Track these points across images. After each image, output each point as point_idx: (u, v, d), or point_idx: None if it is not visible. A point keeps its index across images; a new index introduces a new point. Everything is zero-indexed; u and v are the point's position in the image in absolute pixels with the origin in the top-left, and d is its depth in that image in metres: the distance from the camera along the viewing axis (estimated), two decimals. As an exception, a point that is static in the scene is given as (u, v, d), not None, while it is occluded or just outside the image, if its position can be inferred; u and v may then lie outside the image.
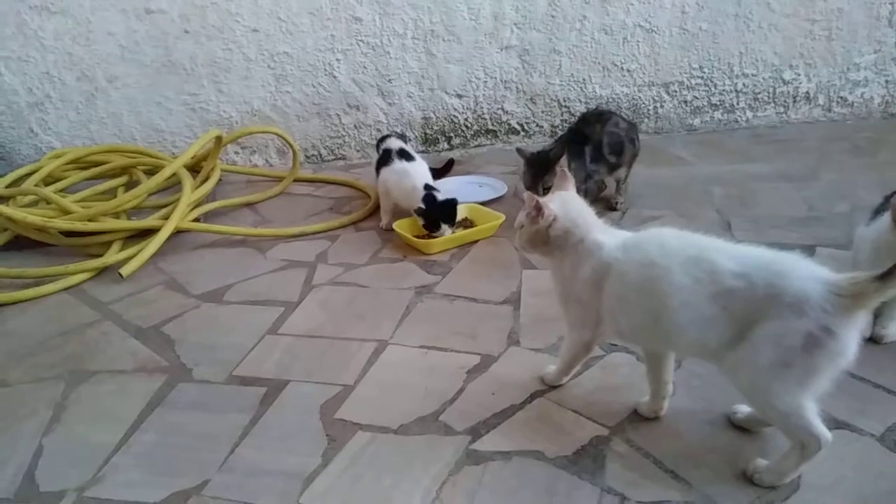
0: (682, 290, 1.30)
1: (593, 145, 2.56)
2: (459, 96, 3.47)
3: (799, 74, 3.64)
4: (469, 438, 1.52)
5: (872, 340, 1.79)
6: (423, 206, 2.43)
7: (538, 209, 1.48)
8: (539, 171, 2.44)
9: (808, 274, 1.24)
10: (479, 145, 3.57)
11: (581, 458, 1.45)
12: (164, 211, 2.64)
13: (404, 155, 2.65)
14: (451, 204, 2.46)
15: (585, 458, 1.45)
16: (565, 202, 1.53)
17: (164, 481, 1.44)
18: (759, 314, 1.24)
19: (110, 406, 1.68)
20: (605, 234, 1.48)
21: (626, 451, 1.47)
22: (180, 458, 1.51)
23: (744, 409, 1.54)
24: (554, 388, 1.68)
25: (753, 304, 1.25)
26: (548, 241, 1.51)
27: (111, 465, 1.49)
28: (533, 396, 1.65)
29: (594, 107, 3.47)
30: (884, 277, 1.18)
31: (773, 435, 1.48)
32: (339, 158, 3.51)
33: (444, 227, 2.44)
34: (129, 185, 2.97)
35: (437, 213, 2.43)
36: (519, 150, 2.55)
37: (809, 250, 2.28)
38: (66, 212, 2.55)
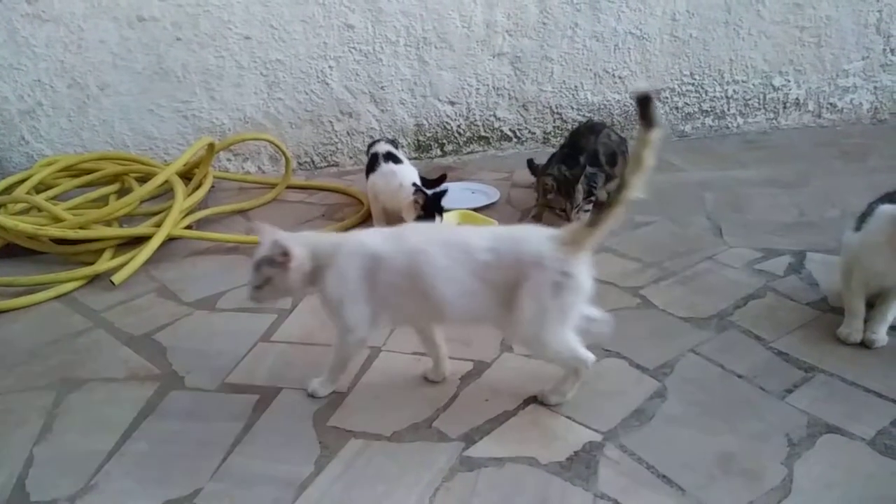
0: (445, 269, 1.49)
1: (588, 154, 2.58)
2: (452, 103, 3.48)
3: (789, 81, 3.67)
4: (462, 445, 1.52)
5: (863, 345, 1.80)
6: (420, 199, 2.41)
7: (286, 254, 1.53)
8: (566, 195, 2.48)
9: (539, 236, 1.50)
10: (471, 152, 3.58)
11: (574, 463, 1.46)
12: (156, 218, 2.63)
13: (391, 157, 2.65)
14: (440, 196, 2.45)
15: (578, 463, 1.46)
16: (295, 237, 1.59)
17: (157, 490, 1.43)
18: (514, 279, 1.47)
19: (102, 414, 1.68)
20: (363, 234, 1.60)
21: (619, 457, 1.47)
22: (172, 466, 1.50)
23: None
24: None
25: (506, 272, 1.48)
26: (306, 278, 1.57)
27: (103, 474, 1.49)
28: (526, 402, 1.65)
29: (586, 119, 3.49)
30: (591, 223, 1.46)
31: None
32: (332, 165, 3.51)
33: (437, 220, 2.43)
34: (121, 193, 2.96)
35: (433, 205, 2.42)
36: (532, 166, 2.56)
37: (800, 255, 2.30)
38: (57, 219, 2.54)
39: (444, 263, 1.50)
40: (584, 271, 1.48)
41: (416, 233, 1.59)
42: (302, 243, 1.56)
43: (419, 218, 2.42)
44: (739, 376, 1.72)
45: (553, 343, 1.51)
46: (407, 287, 1.52)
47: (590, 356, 1.57)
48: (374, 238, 1.57)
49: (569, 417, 1.60)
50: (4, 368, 1.89)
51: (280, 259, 1.52)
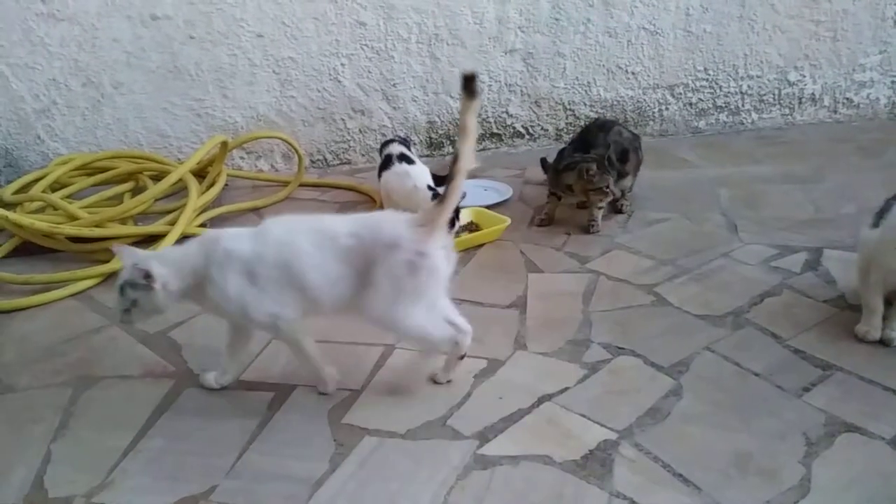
0: (312, 256, 1.54)
1: (598, 151, 2.56)
2: (464, 100, 3.47)
3: (804, 76, 3.64)
4: (477, 443, 1.52)
5: (882, 343, 1.78)
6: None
7: (148, 276, 1.53)
8: (604, 167, 2.51)
9: (395, 219, 1.58)
10: (483, 149, 3.57)
11: (589, 462, 1.45)
12: (170, 216, 2.65)
13: (405, 159, 2.65)
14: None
15: (593, 462, 1.45)
16: (158, 256, 1.61)
17: (172, 486, 1.44)
18: (372, 261, 1.53)
19: (118, 411, 1.69)
20: (226, 240, 1.60)
21: (635, 456, 1.46)
22: (188, 463, 1.51)
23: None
24: (556, 394, 1.67)
25: (367, 255, 1.54)
26: (181, 295, 1.58)
27: (119, 471, 1.49)
28: (540, 400, 1.64)
29: (598, 115, 3.47)
30: (441, 202, 1.54)
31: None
32: (345, 163, 3.51)
33: (455, 225, 2.43)
34: (136, 191, 2.97)
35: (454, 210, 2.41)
36: (545, 165, 2.56)
37: (816, 252, 2.28)
38: (73, 218, 2.56)
39: (311, 251, 1.55)
40: (439, 252, 1.55)
41: (278, 225, 1.62)
42: (166, 262, 1.57)
43: None
44: (756, 374, 1.70)
45: (411, 325, 1.57)
46: (284, 280, 1.55)
47: (466, 326, 1.65)
48: (238, 241, 1.59)
49: (583, 416, 1.59)
50: (21, 366, 1.91)
51: (142, 281, 1.53)
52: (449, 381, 1.72)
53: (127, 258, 1.58)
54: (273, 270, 1.55)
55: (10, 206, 2.74)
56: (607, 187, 2.47)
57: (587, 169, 2.45)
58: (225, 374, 1.75)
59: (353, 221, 1.60)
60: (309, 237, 1.57)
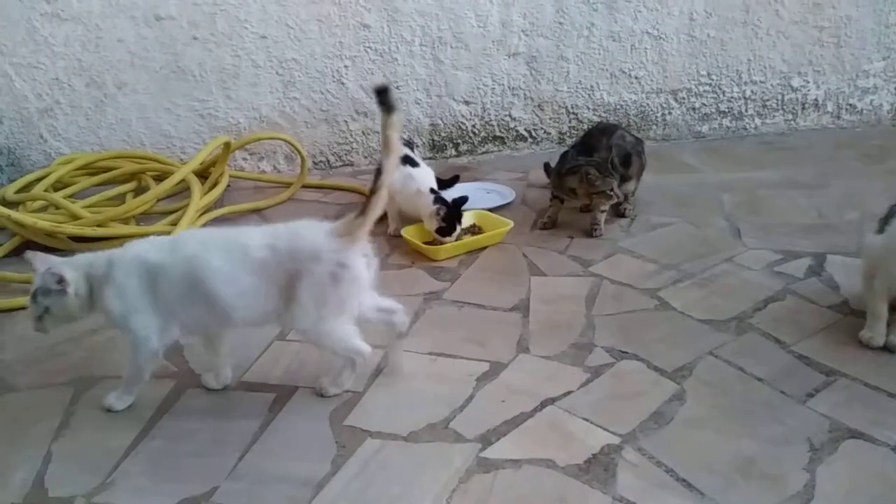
0: (223, 271, 1.53)
1: (600, 155, 2.55)
2: (467, 103, 3.47)
3: (808, 82, 3.63)
4: (479, 446, 1.51)
5: (886, 349, 1.77)
6: (443, 210, 2.41)
7: (62, 281, 1.53)
8: (607, 170, 2.50)
9: (314, 230, 1.58)
10: (486, 152, 3.56)
11: (592, 466, 1.45)
12: (172, 217, 2.65)
13: (409, 161, 2.65)
14: (461, 203, 2.46)
15: (597, 466, 1.45)
16: (69, 262, 1.60)
17: (173, 488, 1.43)
18: (294, 273, 1.53)
19: (119, 412, 1.68)
20: (136, 247, 1.61)
21: (638, 460, 1.46)
22: (189, 464, 1.50)
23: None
24: (558, 398, 1.66)
25: (285, 267, 1.53)
26: (86, 303, 1.58)
27: (120, 471, 1.49)
28: (543, 404, 1.64)
29: (601, 119, 3.47)
30: (361, 213, 1.55)
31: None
32: (347, 165, 3.51)
33: (457, 230, 2.44)
34: (138, 191, 2.97)
35: (456, 215, 2.42)
36: (548, 169, 2.56)
37: (820, 257, 2.27)
38: (75, 217, 2.56)
39: (221, 265, 1.53)
40: (359, 262, 1.58)
41: (190, 239, 1.63)
42: (75, 267, 1.57)
43: (441, 229, 2.42)
44: (759, 380, 1.70)
45: (333, 336, 1.60)
46: (189, 294, 1.55)
47: (366, 347, 1.65)
48: (147, 249, 1.60)
49: (586, 420, 1.58)
50: (23, 365, 1.90)
51: (56, 287, 1.53)
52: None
53: (40, 264, 1.58)
54: (178, 285, 1.55)
55: (12, 204, 2.74)
56: (611, 190, 2.47)
57: (588, 172, 2.45)
58: (220, 374, 1.75)
59: (270, 233, 1.60)
60: (219, 250, 1.56)
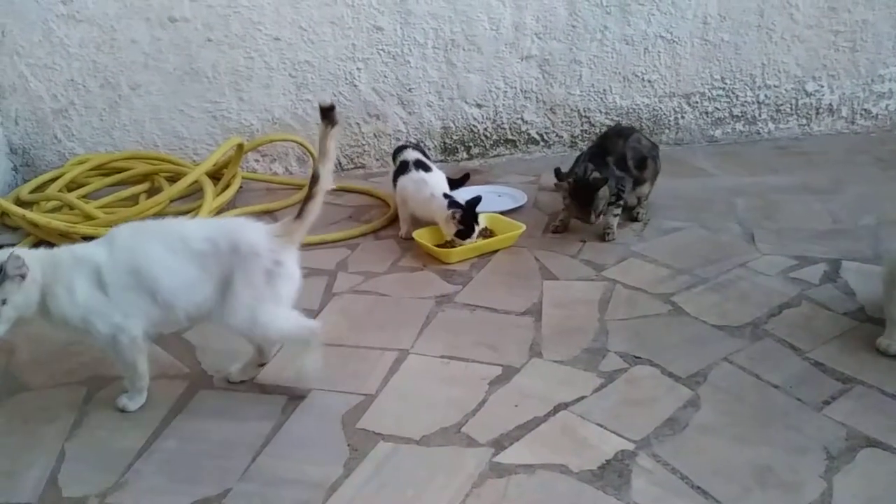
0: (163, 260, 1.56)
1: (616, 157, 2.54)
2: (479, 106, 3.47)
3: (822, 86, 3.61)
4: (492, 451, 1.51)
5: (902, 357, 1.76)
6: (459, 213, 2.39)
7: (23, 266, 1.49)
8: (585, 200, 2.42)
9: (255, 228, 1.63)
10: (498, 155, 3.56)
11: (606, 472, 1.44)
12: (186, 217, 2.65)
13: (421, 165, 2.64)
14: (475, 204, 2.44)
15: (611, 472, 1.44)
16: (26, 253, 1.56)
17: (186, 488, 1.43)
18: (231, 267, 1.57)
19: (132, 412, 1.68)
20: (77, 248, 1.63)
21: (653, 467, 1.44)
22: (202, 465, 1.50)
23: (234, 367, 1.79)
24: (572, 403, 1.66)
25: (223, 261, 1.57)
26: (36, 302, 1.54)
27: (133, 471, 1.49)
28: (556, 409, 1.63)
29: (614, 123, 3.45)
30: (298, 216, 1.62)
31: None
32: (359, 167, 3.51)
33: (475, 231, 2.42)
34: (151, 192, 2.98)
35: (472, 218, 2.41)
36: (559, 174, 2.54)
37: (835, 263, 2.25)
38: (89, 217, 2.57)
39: (162, 255, 1.57)
40: (295, 262, 1.64)
41: (129, 230, 1.64)
42: (32, 259, 1.54)
43: (459, 232, 2.41)
44: (775, 387, 1.68)
45: (273, 327, 1.62)
46: (135, 286, 1.56)
47: (313, 322, 1.70)
48: (88, 248, 1.62)
49: (600, 425, 1.57)
50: (36, 365, 1.91)
51: (17, 272, 1.48)
52: (242, 382, 1.78)
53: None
54: (123, 278, 1.56)
55: (26, 204, 2.75)
56: (578, 217, 2.47)
57: (564, 187, 2.48)
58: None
59: (210, 226, 1.67)
60: (160, 241, 1.59)
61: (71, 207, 2.68)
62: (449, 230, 2.43)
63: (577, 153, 2.69)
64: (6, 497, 1.43)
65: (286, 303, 1.63)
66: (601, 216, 2.46)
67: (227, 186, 2.93)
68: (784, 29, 3.47)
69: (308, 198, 1.64)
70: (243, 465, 1.49)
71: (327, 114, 1.62)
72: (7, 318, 1.50)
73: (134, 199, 2.92)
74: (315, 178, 1.64)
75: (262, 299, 1.59)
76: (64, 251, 1.62)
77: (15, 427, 1.67)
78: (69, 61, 3.18)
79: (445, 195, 2.50)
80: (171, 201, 2.81)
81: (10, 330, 1.52)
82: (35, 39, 3.12)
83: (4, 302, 1.48)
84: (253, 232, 1.62)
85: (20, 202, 2.77)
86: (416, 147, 2.82)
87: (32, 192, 2.88)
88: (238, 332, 1.65)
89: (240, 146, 2.95)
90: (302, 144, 3.20)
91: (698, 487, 1.39)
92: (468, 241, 2.42)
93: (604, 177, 2.43)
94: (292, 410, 1.67)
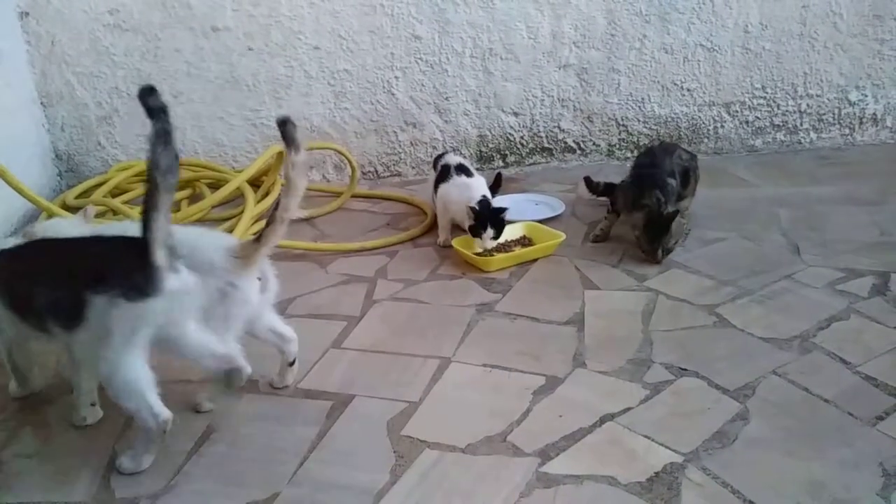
0: None
1: (665, 172, 2.50)
2: (516, 114, 3.47)
3: (866, 95, 3.54)
4: (538, 461, 1.50)
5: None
6: (476, 206, 2.40)
7: None
8: (657, 232, 2.34)
9: (213, 244, 1.58)
10: (534, 163, 3.55)
11: (655, 484, 1.42)
12: (227, 224, 2.69)
13: (463, 170, 2.65)
14: (500, 211, 2.43)
15: (660, 485, 1.42)
16: None
17: (235, 492, 1.45)
18: None
19: (180, 415, 1.70)
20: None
21: (703, 480, 1.43)
22: (250, 469, 1.52)
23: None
24: (618, 414, 1.64)
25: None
26: None
27: (183, 474, 1.51)
28: (602, 420, 1.62)
29: (650, 133, 3.43)
30: (258, 239, 1.57)
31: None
32: (395, 175, 3.53)
33: (489, 231, 2.39)
34: (193, 198, 3.03)
35: (488, 215, 2.40)
36: (590, 183, 2.49)
37: (884, 276, 2.20)
38: (133, 223, 2.61)
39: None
40: (251, 285, 1.59)
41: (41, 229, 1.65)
42: None
43: (472, 227, 2.41)
44: (826, 401, 1.65)
45: (191, 347, 1.54)
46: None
47: (242, 362, 1.58)
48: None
49: (647, 437, 1.56)
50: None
51: None
52: (285, 387, 1.79)
53: None
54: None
55: (72, 209, 2.81)
56: (645, 251, 2.41)
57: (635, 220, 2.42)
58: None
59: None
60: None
61: (115, 213, 2.73)
62: (464, 222, 2.45)
63: (615, 162, 2.67)
64: (63, 496, 1.46)
65: (234, 328, 1.59)
66: (668, 254, 2.38)
67: (267, 193, 2.96)
68: (827, 37, 3.42)
69: (269, 223, 1.58)
70: (291, 469, 1.50)
71: (285, 130, 1.57)
72: None
73: (176, 206, 2.96)
74: (277, 206, 1.58)
75: (210, 320, 1.54)
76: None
77: (66, 427, 1.69)
78: (114, 69, 3.25)
79: (483, 197, 2.50)
80: (213, 207, 2.85)
81: None
82: (82, 48, 3.20)
83: None
84: (211, 249, 1.58)
85: (66, 206, 2.83)
86: (457, 152, 2.82)
87: (78, 197, 2.94)
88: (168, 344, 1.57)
89: (280, 154, 2.98)
90: (340, 152, 3.23)
91: (750, 502, 1.37)
92: (478, 241, 2.41)
93: (676, 210, 2.36)
94: (337, 416, 1.67)
